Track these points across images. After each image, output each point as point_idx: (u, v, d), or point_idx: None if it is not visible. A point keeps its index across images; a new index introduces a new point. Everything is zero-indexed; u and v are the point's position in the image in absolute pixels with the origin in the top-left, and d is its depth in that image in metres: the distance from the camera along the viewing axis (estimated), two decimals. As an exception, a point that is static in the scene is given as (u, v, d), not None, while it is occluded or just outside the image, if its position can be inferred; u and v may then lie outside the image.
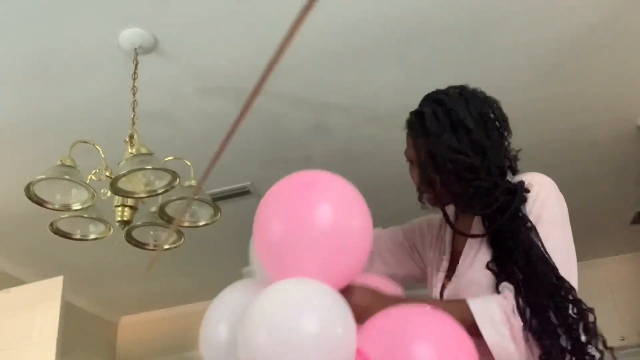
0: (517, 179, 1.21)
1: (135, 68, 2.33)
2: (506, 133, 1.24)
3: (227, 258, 4.49)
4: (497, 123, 1.23)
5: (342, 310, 0.97)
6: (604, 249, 4.69)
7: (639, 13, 2.45)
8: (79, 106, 2.70)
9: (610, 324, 4.12)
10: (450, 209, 1.33)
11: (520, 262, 1.10)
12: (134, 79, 2.31)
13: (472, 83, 1.30)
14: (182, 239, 2.37)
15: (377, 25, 2.40)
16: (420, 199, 1.26)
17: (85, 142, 2.20)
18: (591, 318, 1.05)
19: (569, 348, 1.03)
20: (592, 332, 1.04)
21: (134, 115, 2.25)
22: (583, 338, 1.04)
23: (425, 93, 1.31)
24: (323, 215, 1.06)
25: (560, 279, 1.07)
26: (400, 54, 2.57)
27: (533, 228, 1.13)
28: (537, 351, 1.04)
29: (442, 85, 1.32)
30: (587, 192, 3.73)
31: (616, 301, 4.57)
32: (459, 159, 1.16)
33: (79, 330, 4.67)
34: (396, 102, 2.79)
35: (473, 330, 1.03)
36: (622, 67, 2.78)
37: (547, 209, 1.16)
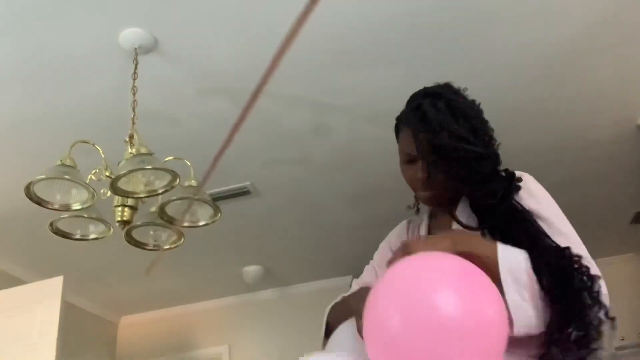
0: None
1: (135, 68, 2.33)
2: None
3: (227, 258, 4.51)
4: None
5: None
6: (604, 249, 4.68)
7: (638, 13, 2.45)
8: (79, 106, 2.70)
9: (610, 324, 4.10)
10: (426, 209, 1.34)
11: (523, 244, 1.10)
12: (134, 79, 2.32)
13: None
14: (182, 239, 2.37)
15: (377, 25, 2.40)
16: (418, 199, 1.28)
17: (85, 142, 2.20)
18: (598, 286, 1.07)
19: (578, 311, 1.03)
20: (600, 297, 1.06)
21: (134, 115, 2.25)
22: (591, 303, 1.05)
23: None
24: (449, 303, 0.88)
25: (566, 248, 1.09)
26: (400, 54, 2.58)
27: (528, 213, 1.15)
28: (546, 314, 1.03)
29: (443, 86, 1.32)
30: (587, 192, 3.72)
31: (616, 301, 4.49)
32: (464, 147, 1.16)
33: (79, 330, 4.66)
34: (396, 102, 2.77)
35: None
36: (622, 68, 2.78)
37: (542, 199, 1.19)
